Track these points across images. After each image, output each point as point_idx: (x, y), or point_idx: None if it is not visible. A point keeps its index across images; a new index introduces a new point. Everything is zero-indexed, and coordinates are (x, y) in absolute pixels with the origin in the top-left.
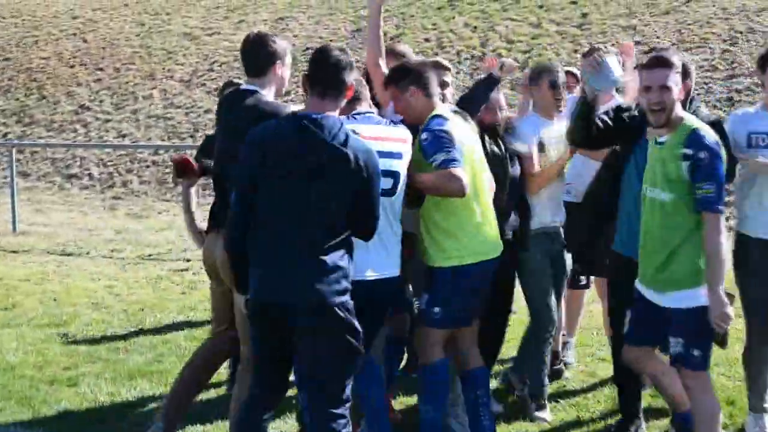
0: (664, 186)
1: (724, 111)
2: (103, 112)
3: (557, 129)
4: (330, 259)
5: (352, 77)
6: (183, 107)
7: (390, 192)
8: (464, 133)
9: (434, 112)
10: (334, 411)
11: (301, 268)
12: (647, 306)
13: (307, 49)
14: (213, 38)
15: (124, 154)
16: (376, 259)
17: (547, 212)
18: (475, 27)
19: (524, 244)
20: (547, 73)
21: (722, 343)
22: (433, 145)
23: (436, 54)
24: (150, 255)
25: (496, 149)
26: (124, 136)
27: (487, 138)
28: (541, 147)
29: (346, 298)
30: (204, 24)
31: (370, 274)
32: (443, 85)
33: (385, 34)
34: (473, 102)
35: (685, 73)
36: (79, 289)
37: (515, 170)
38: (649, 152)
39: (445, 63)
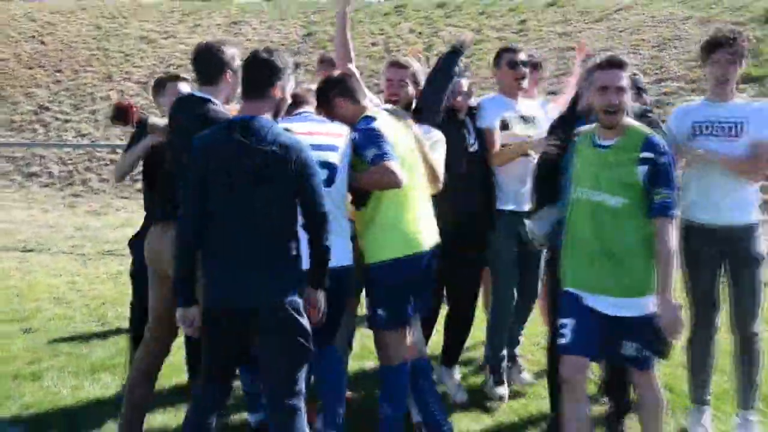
0: (615, 190)
1: (653, 114)
2: (62, 112)
3: (524, 107)
4: (282, 261)
5: (283, 79)
6: (140, 107)
7: (326, 183)
8: (395, 129)
9: (363, 114)
10: (290, 402)
11: (255, 273)
12: (592, 315)
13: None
14: (169, 41)
15: (83, 153)
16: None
17: (520, 195)
18: (420, 32)
19: (488, 224)
20: (506, 53)
21: (665, 354)
22: (363, 142)
23: (383, 58)
24: (109, 251)
25: (461, 133)
26: (83, 135)
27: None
28: (505, 126)
29: (299, 298)
30: (160, 28)
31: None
32: (401, 83)
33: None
34: (440, 72)
35: (639, 89)
36: (41, 284)
37: (475, 148)
38: (583, 155)
39: (402, 61)
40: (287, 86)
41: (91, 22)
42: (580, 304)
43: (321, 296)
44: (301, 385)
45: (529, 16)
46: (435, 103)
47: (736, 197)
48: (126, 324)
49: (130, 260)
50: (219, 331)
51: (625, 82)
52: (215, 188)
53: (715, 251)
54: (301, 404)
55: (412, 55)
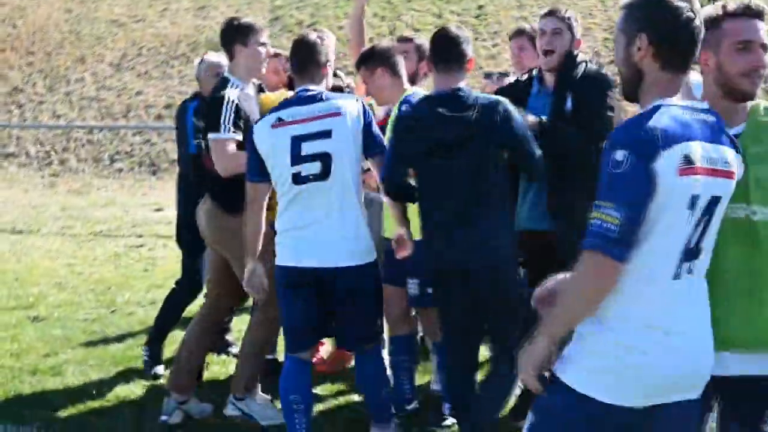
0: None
1: None
2: (37, 93)
3: None
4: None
5: (470, 50)
6: (114, 89)
7: (320, 177)
8: None
9: (406, 93)
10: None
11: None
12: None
13: None
14: (139, 24)
15: (60, 133)
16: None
17: None
18: (383, 17)
19: None
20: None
21: None
22: None
23: (349, 40)
24: (101, 231)
25: None
26: (58, 116)
27: None
28: None
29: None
30: (130, 12)
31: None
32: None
33: (300, 23)
34: None
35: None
36: (39, 268)
37: None
38: None
39: (407, 34)
40: None
41: (62, 6)
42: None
43: None
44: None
45: (486, 2)
46: None
47: None
48: (135, 309)
49: (123, 241)
50: (446, 291)
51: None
52: (420, 158)
53: None
54: None
55: None
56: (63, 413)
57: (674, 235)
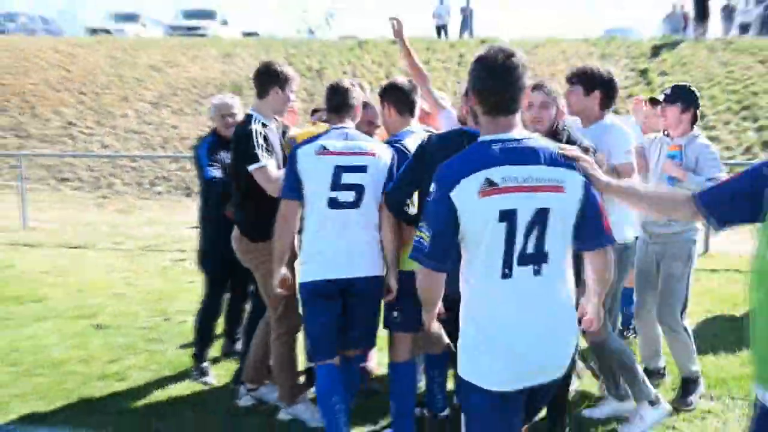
0: None
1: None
2: (87, 127)
3: None
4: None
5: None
6: (153, 124)
7: (353, 204)
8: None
9: (404, 129)
10: None
11: None
12: None
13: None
14: (173, 69)
15: (107, 161)
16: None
17: None
18: (381, 63)
19: None
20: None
21: None
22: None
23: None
24: (148, 246)
25: None
26: (106, 146)
27: None
28: None
29: None
30: (165, 58)
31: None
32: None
33: (310, 68)
34: None
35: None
36: (98, 280)
37: None
38: None
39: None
40: None
41: (107, 54)
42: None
43: None
44: None
45: (465, 51)
46: None
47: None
48: (186, 317)
49: (169, 256)
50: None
51: None
52: None
53: None
54: None
55: None
56: (130, 416)
57: (491, 243)
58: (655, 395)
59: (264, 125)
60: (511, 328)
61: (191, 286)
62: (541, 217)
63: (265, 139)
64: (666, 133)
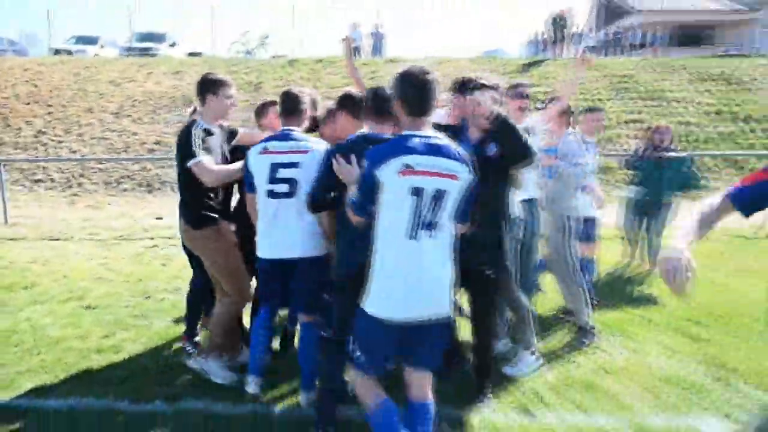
0: None
1: None
2: (57, 135)
3: None
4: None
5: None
6: (116, 131)
7: (287, 195)
8: None
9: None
10: None
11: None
12: None
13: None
14: (131, 84)
15: (77, 164)
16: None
17: None
18: (309, 78)
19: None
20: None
21: None
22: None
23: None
24: (121, 236)
25: None
26: (74, 152)
27: None
28: None
29: None
30: (123, 75)
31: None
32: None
33: (249, 83)
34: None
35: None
36: (81, 267)
37: None
38: None
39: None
40: None
41: (70, 71)
42: None
43: None
44: None
45: (376, 69)
46: None
47: None
48: (165, 295)
49: (140, 243)
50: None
51: None
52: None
53: None
54: None
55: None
56: (129, 384)
57: (403, 210)
58: (534, 348)
59: (205, 130)
60: (412, 275)
61: (164, 269)
62: (439, 196)
63: (203, 140)
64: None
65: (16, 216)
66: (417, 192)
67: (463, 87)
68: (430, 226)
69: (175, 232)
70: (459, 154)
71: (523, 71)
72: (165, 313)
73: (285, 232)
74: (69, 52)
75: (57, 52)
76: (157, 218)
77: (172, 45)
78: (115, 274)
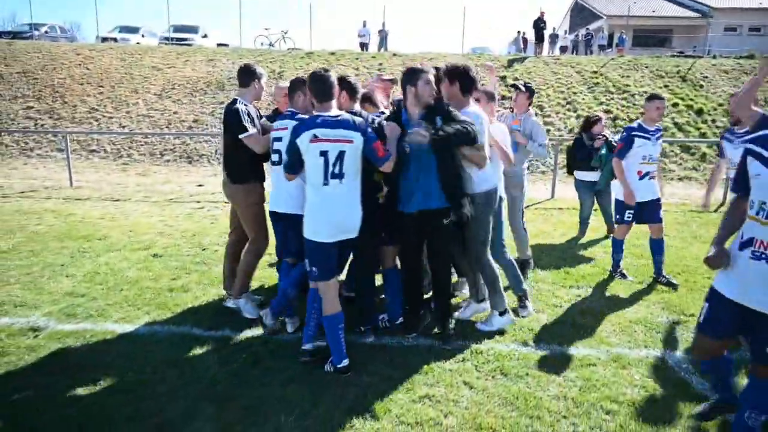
0: None
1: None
2: (108, 112)
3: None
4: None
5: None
6: (159, 110)
7: (278, 161)
8: None
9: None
10: None
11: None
12: None
13: (231, 78)
14: (171, 70)
15: (126, 137)
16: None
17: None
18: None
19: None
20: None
21: None
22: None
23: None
24: (171, 199)
25: None
26: (123, 127)
27: None
28: None
29: None
30: (164, 61)
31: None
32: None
33: (273, 72)
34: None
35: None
36: (143, 223)
37: None
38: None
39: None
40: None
41: (117, 56)
42: None
43: None
44: None
45: (383, 61)
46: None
47: None
48: (218, 247)
49: (189, 205)
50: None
51: None
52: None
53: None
54: None
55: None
56: (201, 314)
57: (317, 168)
58: (505, 308)
59: (247, 107)
60: (329, 210)
61: (213, 226)
62: (340, 155)
63: (248, 114)
64: (511, 109)
65: (78, 180)
66: (323, 154)
67: (413, 73)
68: (339, 176)
69: (218, 197)
70: (354, 124)
71: (508, 67)
72: (219, 261)
73: (285, 191)
74: (114, 40)
75: (104, 39)
76: (198, 185)
77: (204, 36)
78: (172, 229)
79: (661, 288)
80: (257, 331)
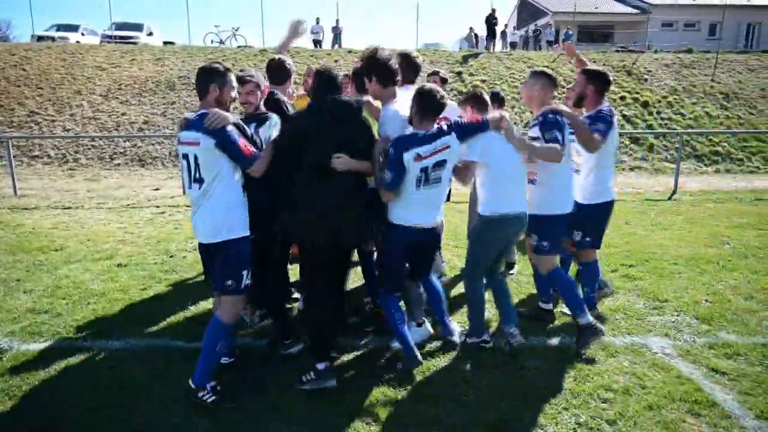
0: None
1: None
2: (49, 115)
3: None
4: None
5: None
6: (106, 111)
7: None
8: None
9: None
10: None
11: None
12: None
13: (181, 77)
14: (116, 69)
15: (71, 141)
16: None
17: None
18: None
19: None
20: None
21: None
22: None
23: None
24: (128, 204)
25: None
26: (68, 130)
27: None
28: None
29: None
30: (108, 61)
31: None
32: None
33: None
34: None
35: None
36: (100, 231)
37: None
38: None
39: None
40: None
41: (56, 56)
42: None
43: None
44: None
45: (338, 58)
46: None
47: None
48: (186, 253)
49: (148, 211)
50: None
51: None
52: None
53: None
54: None
55: None
56: (178, 325)
57: (183, 171)
58: (421, 320)
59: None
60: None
61: (177, 231)
62: (192, 159)
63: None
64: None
65: (22, 188)
66: (185, 157)
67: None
68: (198, 180)
69: (178, 200)
70: (201, 125)
71: (463, 62)
72: (190, 267)
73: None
74: (52, 39)
75: (40, 38)
76: (155, 189)
77: (150, 34)
78: (134, 236)
79: (634, 275)
80: (241, 340)
